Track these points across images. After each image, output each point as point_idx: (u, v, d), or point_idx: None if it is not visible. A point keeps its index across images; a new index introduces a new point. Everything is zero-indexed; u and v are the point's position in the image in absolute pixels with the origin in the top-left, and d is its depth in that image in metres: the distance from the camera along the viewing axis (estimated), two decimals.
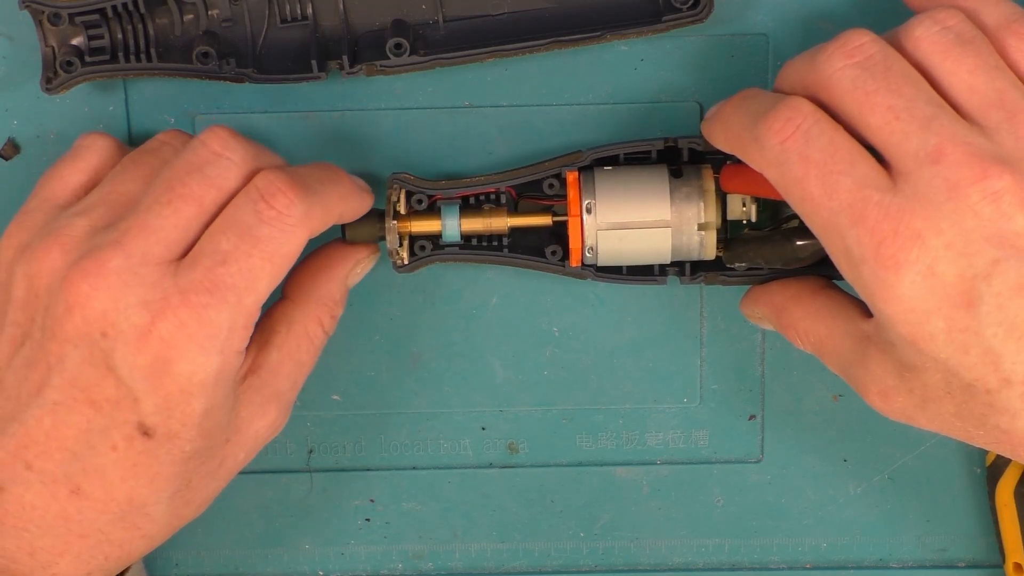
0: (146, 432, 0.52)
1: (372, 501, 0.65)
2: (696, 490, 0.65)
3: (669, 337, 0.64)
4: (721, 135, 0.55)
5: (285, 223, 0.52)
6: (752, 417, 0.65)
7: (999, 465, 0.63)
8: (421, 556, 0.66)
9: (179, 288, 0.51)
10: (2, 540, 0.53)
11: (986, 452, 0.64)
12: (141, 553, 0.55)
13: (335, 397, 0.64)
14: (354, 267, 0.59)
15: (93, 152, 0.57)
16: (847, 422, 0.65)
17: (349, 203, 0.57)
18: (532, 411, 0.65)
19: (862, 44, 0.51)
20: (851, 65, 0.51)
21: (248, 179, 0.53)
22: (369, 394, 0.64)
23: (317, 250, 0.59)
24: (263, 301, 0.53)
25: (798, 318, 0.57)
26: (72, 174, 0.56)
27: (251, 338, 0.56)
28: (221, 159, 0.53)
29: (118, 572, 0.56)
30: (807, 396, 0.64)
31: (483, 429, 0.65)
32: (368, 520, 0.66)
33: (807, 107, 0.51)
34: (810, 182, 0.50)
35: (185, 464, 0.53)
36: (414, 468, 0.65)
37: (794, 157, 0.51)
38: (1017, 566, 0.63)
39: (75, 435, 0.52)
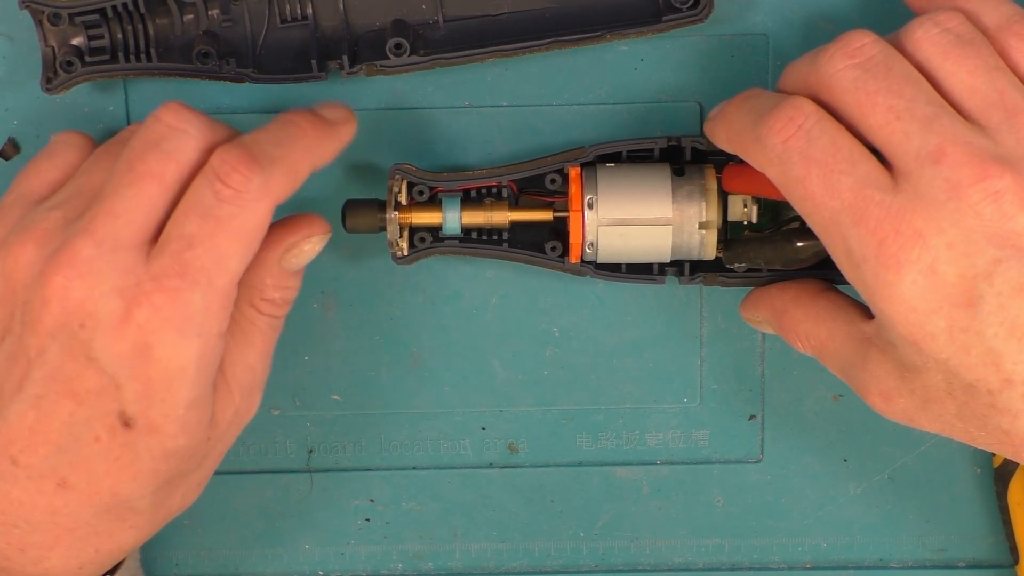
0: (127, 422, 0.52)
1: (372, 501, 0.65)
2: (696, 490, 0.65)
3: (669, 337, 0.64)
4: (723, 134, 0.55)
5: (244, 200, 0.51)
6: (752, 417, 0.65)
7: (1009, 465, 0.63)
8: (421, 556, 0.66)
9: (151, 273, 0.51)
10: None
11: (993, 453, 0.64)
12: (132, 545, 0.55)
13: (335, 397, 0.64)
14: (288, 250, 0.56)
15: (67, 148, 0.57)
16: (847, 422, 0.65)
17: (318, 152, 0.55)
18: (532, 411, 0.64)
19: (863, 45, 0.51)
20: (852, 66, 0.51)
21: (206, 152, 0.53)
22: (369, 394, 0.64)
23: None
24: (237, 279, 0.52)
25: (798, 321, 0.57)
26: (47, 170, 0.56)
27: None
28: (176, 132, 0.52)
29: (112, 565, 0.56)
30: (807, 396, 0.64)
31: (483, 429, 0.65)
32: (368, 520, 0.66)
33: (809, 107, 0.51)
34: (812, 181, 0.50)
35: (167, 461, 0.53)
36: (414, 468, 0.65)
37: (796, 156, 0.51)
38: None
39: (59, 428, 0.52)
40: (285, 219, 0.56)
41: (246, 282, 0.55)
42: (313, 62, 0.58)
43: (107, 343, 0.51)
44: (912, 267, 0.49)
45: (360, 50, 0.59)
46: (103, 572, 0.56)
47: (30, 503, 0.53)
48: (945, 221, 0.49)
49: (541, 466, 0.65)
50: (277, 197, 0.53)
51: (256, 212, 0.52)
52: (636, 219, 0.58)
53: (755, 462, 0.65)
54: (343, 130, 0.56)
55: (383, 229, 0.59)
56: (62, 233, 0.52)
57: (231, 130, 0.54)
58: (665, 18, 0.58)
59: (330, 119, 0.56)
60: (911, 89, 0.50)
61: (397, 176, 0.59)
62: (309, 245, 0.56)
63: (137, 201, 0.52)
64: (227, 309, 0.52)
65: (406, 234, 0.59)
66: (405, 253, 0.59)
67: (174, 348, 0.51)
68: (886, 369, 0.52)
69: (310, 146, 0.55)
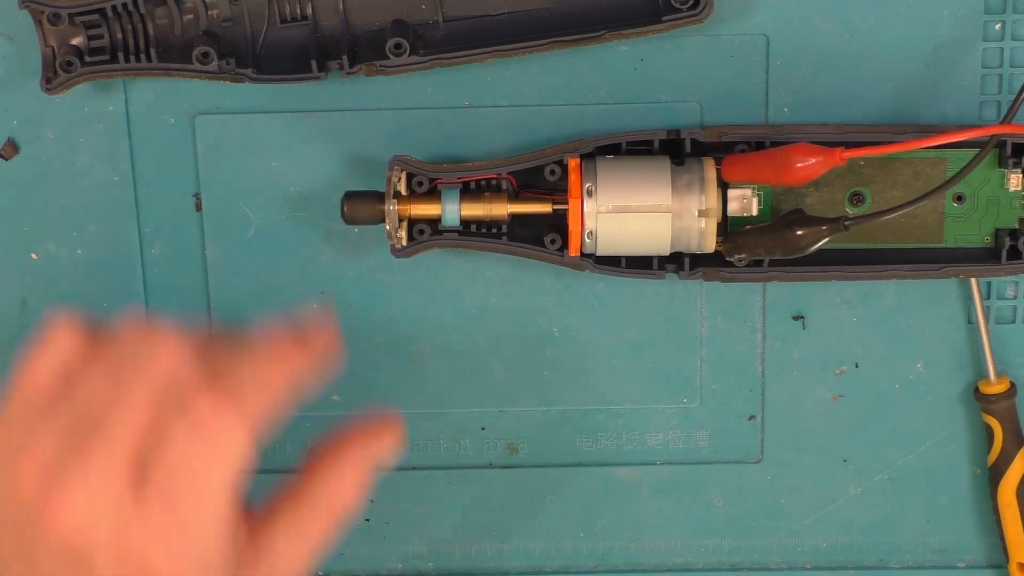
0: None
1: (372, 501, 0.65)
2: (696, 490, 0.65)
3: (669, 337, 0.64)
4: None
5: (219, 440, 0.51)
6: (752, 417, 0.65)
7: (1000, 466, 0.63)
8: (421, 556, 0.66)
9: (139, 499, 0.51)
10: None
11: (987, 452, 0.64)
12: None
13: (335, 397, 0.64)
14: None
15: (58, 346, 0.56)
16: (847, 422, 0.65)
17: (299, 385, 0.54)
18: (532, 411, 0.64)
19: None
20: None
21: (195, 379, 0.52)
22: (369, 394, 0.64)
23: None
24: (227, 491, 0.52)
25: None
26: (40, 376, 0.56)
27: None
28: (171, 372, 0.53)
29: None
30: (807, 396, 0.64)
31: (483, 429, 0.65)
32: (368, 520, 0.66)
33: None
34: None
35: None
36: (414, 468, 0.65)
37: None
38: (1021, 566, 0.63)
39: None
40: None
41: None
42: (313, 62, 0.58)
43: (107, 565, 0.52)
44: None
45: (360, 50, 0.59)
46: None
47: None
48: None
49: (541, 466, 0.65)
50: (255, 427, 0.52)
51: (232, 445, 0.51)
52: (635, 206, 0.58)
53: (755, 462, 0.65)
54: (330, 358, 0.54)
55: (382, 220, 0.59)
56: (58, 455, 0.53)
57: (222, 340, 0.53)
58: (665, 18, 0.58)
59: (315, 347, 0.54)
60: None
61: (397, 167, 0.59)
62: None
63: (132, 428, 0.52)
64: (224, 512, 0.52)
65: (405, 225, 0.59)
66: (404, 244, 0.59)
67: (175, 567, 0.52)
68: None
69: (291, 377, 0.53)
